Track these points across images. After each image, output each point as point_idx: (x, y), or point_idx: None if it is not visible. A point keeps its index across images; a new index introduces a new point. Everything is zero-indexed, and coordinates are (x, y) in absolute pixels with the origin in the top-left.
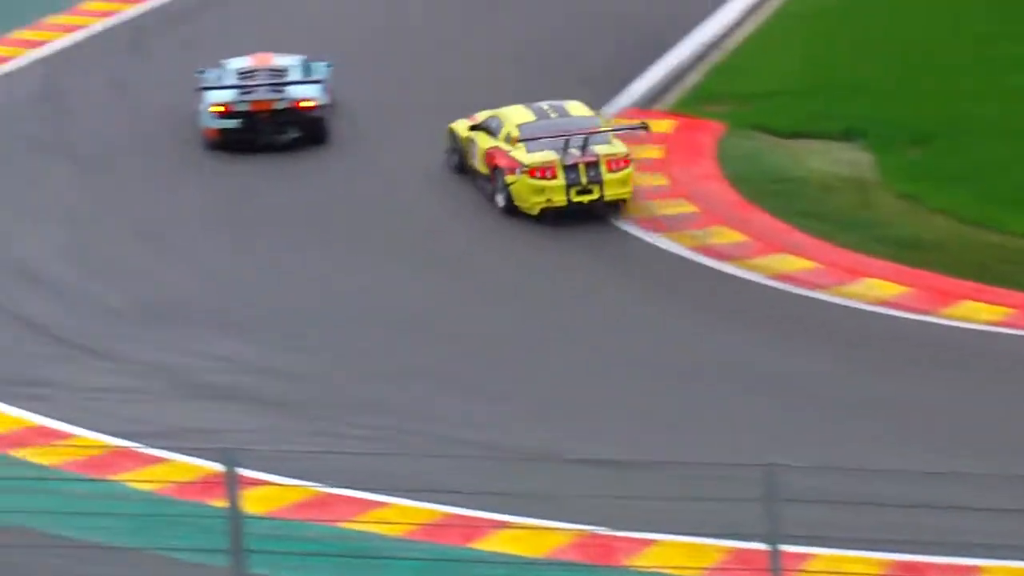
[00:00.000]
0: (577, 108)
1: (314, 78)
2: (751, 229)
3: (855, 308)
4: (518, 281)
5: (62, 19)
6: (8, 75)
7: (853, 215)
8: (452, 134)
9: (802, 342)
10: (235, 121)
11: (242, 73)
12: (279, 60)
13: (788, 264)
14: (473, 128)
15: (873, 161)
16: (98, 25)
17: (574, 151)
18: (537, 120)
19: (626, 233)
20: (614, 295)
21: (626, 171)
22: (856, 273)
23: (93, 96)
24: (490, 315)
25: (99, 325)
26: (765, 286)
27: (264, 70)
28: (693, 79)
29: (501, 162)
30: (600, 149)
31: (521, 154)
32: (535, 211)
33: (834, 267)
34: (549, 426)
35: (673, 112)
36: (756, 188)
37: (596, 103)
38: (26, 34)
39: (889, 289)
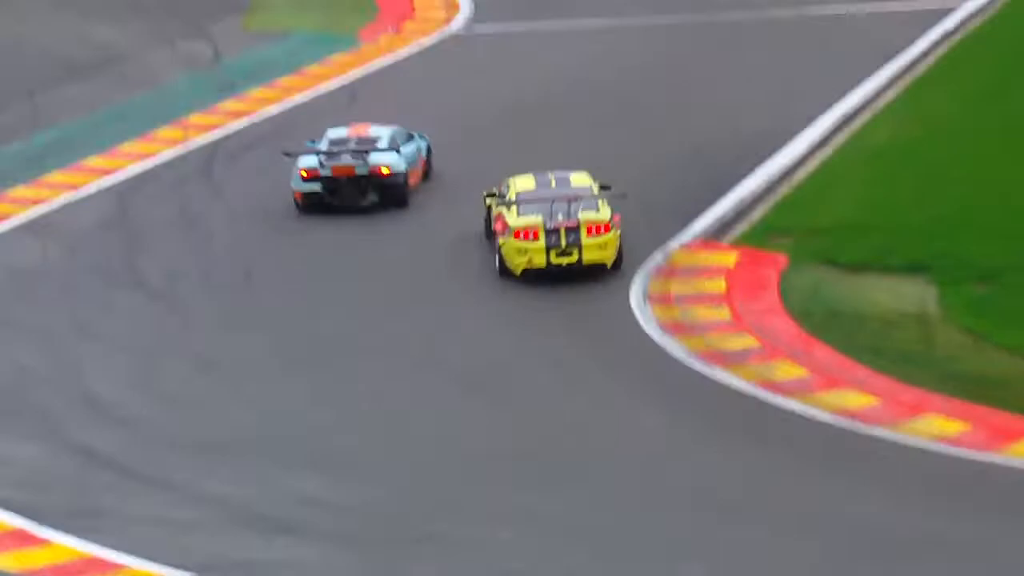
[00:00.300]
0: (579, 179)
1: (400, 147)
2: (813, 363)
3: (916, 445)
4: (580, 416)
5: (135, 146)
6: (79, 202)
7: (916, 350)
8: (485, 202)
9: (864, 481)
10: (318, 184)
11: (334, 141)
12: (373, 130)
13: (850, 400)
14: (489, 195)
15: (937, 296)
16: (170, 152)
17: (559, 216)
18: (536, 188)
19: (688, 368)
20: (674, 430)
21: (606, 236)
22: (918, 409)
23: (163, 224)
24: (561, 448)
25: (160, 455)
26: (826, 423)
27: (355, 138)
28: (759, 212)
29: (498, 226)
30: (583, 215)
31: (512, 217)
32: (518, 272)
33: (896, 403)
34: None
35: (738, 245)
36: (819, 322)
37: (663, 235)
38: (99, 161)
39: (951, 426)
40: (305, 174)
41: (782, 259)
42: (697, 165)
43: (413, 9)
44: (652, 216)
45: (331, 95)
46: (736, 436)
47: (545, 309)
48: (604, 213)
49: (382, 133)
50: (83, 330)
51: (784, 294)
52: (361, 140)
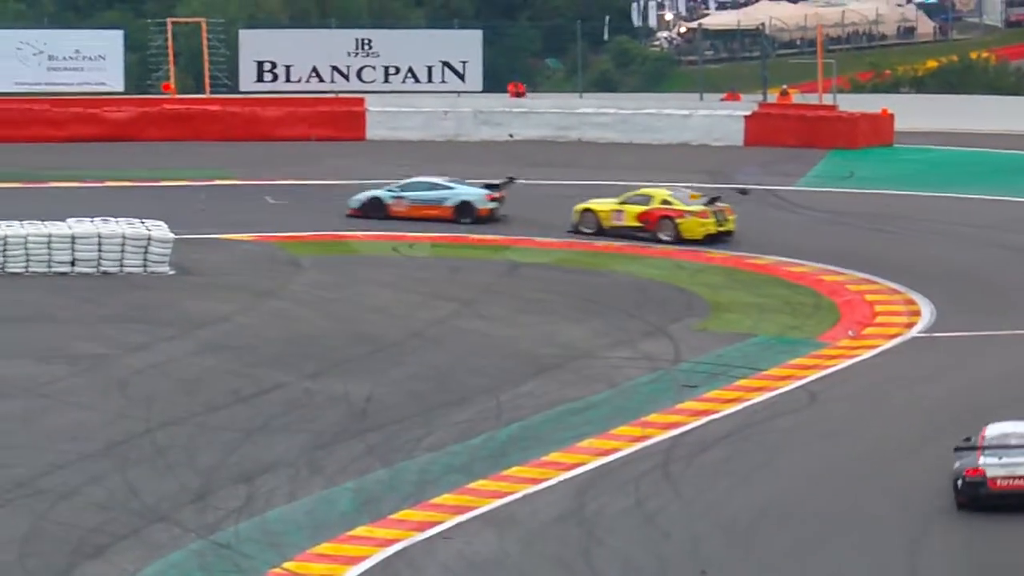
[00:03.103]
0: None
1: None
2: None
3: None
4: None
5: (595, 442)
6: (537, 494)
7: None
8: (584, 212)
9: None
10: None
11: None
12: None
13: None
14: (622, 203)
15: None
16: (628, 449)
17: (715, 203)
18: (676, 192)
19: None
20: None
21: (733, 216)
22: None
23: (619, 520)
24: None
25: None
26: None
27: None
28: None
29: (670, 214)
30: (720, 204)
31: (682, 206)
32: (700, 236)
33: None
34: None
35: None
36: None
37: None
38: (560, 456)
39: None
40: None
41: None
42: None
43: (874, 314)
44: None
45: (788, 395)
46: None
47: None
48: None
49: None
50: None
51: None
52: None
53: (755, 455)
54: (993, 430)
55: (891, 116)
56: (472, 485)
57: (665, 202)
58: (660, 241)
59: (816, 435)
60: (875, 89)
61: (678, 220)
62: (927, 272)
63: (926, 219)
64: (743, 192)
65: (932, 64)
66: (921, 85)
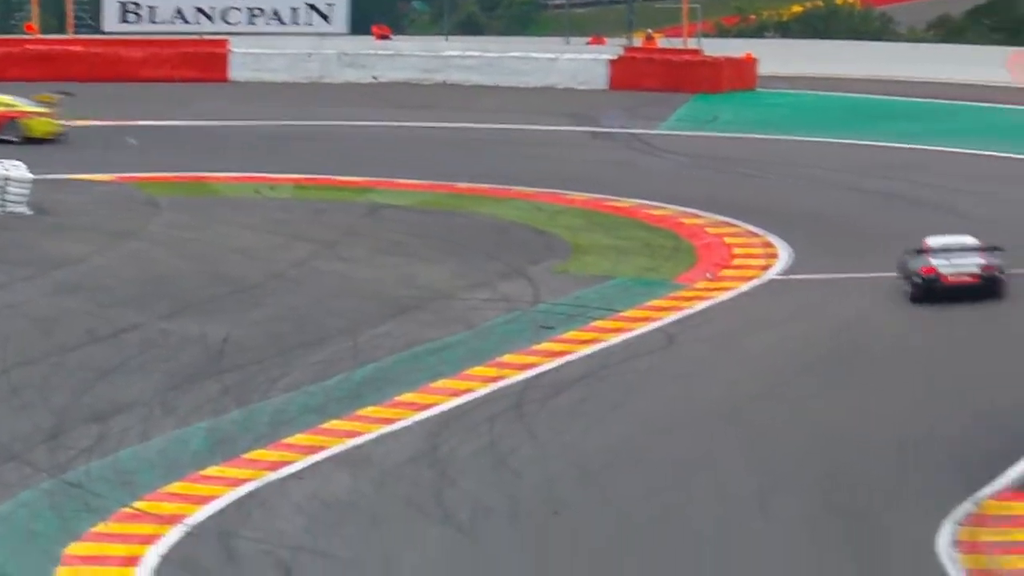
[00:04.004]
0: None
1: None
2: None
3: None
4: None
5: (450, 383)
6: (391, 434)
7: None
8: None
9: None
10: None
11: None
12: None
13: None
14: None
15: None
16: (483, 390)
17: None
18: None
19: None
20: None
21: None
22: None
23: (472, 461)
24: None
25: None
26: None
27: None
28: None
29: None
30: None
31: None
32: (46, 135)
33: None
34: None
35: None
36: None
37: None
38: (415, 397)
39: None
40: None
41: None
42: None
43: (732, 256)
44: (963, 464)
45: (644, 337)
46: None
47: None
48: None
49: None
50: (386, 562)
51: None
52: None
53: (610, 397)
54: (934, 241)
55: (755, 60)
56: (326, 425)
57: (8, 105)
58: (5, 142)
59: (671, 377)
60: (740, 34)
61: (23, 120)
62: (786, 215)
63: (787, 163)
64: (67, 94)
65: (797, 9)
66: (786, 30)
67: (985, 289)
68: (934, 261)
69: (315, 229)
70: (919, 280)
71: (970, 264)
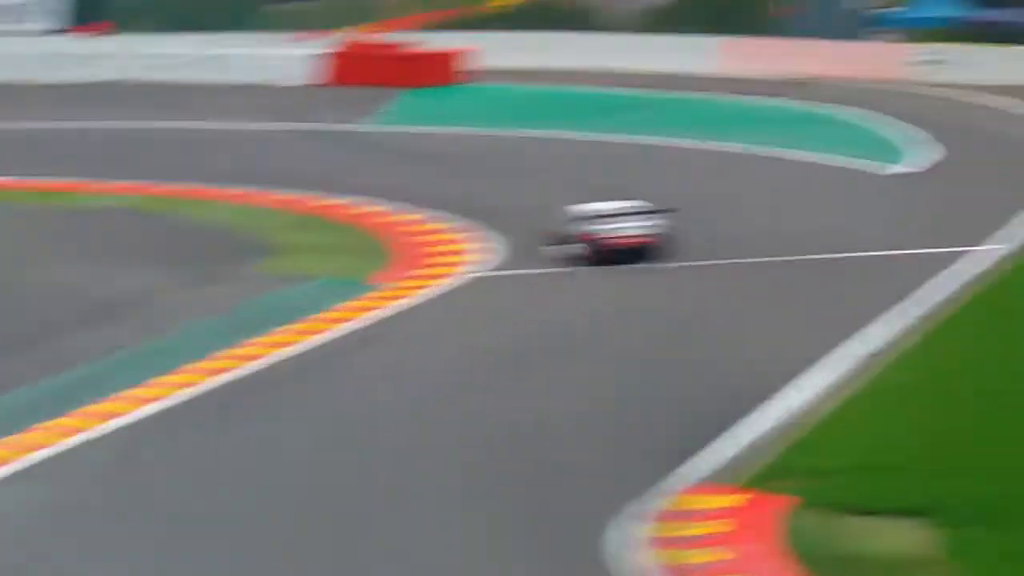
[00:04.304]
0: None
1: None
2: None
3: None
4: None
5: (140, 391)
6: (80, 446)
7: None
8: None
9: None
10: None
11: None
12: None
13: None
14: None
15: (947, 541)
16: (180, 396)
17: None
18: None
19: None
20: None
21: None
22: None
23: (165, 473)
24: None
25: None
26: None
27: None
28: (766, 453)
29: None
30: None
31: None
32: None
33: None
34: None
35: (743, 487)
36: (822, 567)
37: (658, 475)
38: (108, 406)
39: None
40: None
41: (788, 501)
42: (700, 404)
43: (438, 254)
44: (651, 457)
45: (341, 339)
46: None
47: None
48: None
49: None
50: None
51: (788, 537)
52: None
53: (301, 402)
54: (577, 210)
55: (471, 53)
56: (6, 439)
57: None
58: None
59: (371, 378)
60: (462, 26)
61: None
62: (496, 211)
63: (501, 157)
64: None
65: (518, 1)
66: (509, 21)
67: (649, 251)
68: (594, 228)
69: (14, 234)
70: (581, 247)
71: (632, 227)
